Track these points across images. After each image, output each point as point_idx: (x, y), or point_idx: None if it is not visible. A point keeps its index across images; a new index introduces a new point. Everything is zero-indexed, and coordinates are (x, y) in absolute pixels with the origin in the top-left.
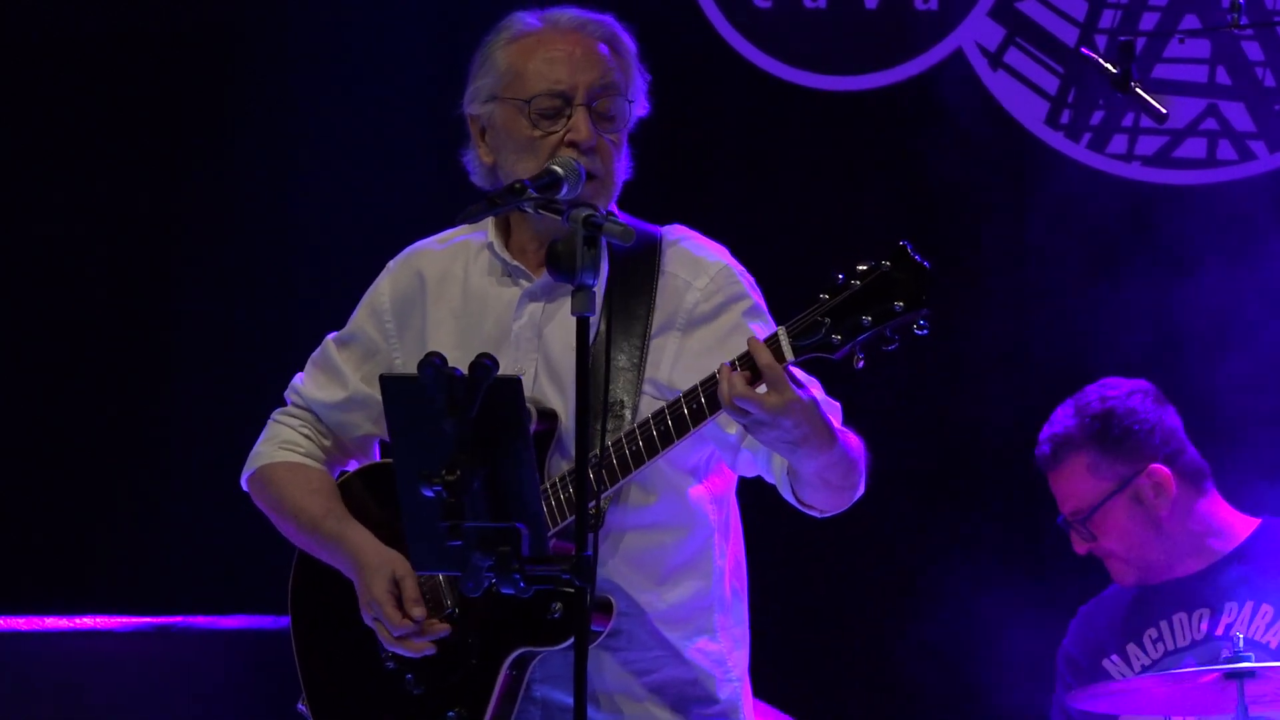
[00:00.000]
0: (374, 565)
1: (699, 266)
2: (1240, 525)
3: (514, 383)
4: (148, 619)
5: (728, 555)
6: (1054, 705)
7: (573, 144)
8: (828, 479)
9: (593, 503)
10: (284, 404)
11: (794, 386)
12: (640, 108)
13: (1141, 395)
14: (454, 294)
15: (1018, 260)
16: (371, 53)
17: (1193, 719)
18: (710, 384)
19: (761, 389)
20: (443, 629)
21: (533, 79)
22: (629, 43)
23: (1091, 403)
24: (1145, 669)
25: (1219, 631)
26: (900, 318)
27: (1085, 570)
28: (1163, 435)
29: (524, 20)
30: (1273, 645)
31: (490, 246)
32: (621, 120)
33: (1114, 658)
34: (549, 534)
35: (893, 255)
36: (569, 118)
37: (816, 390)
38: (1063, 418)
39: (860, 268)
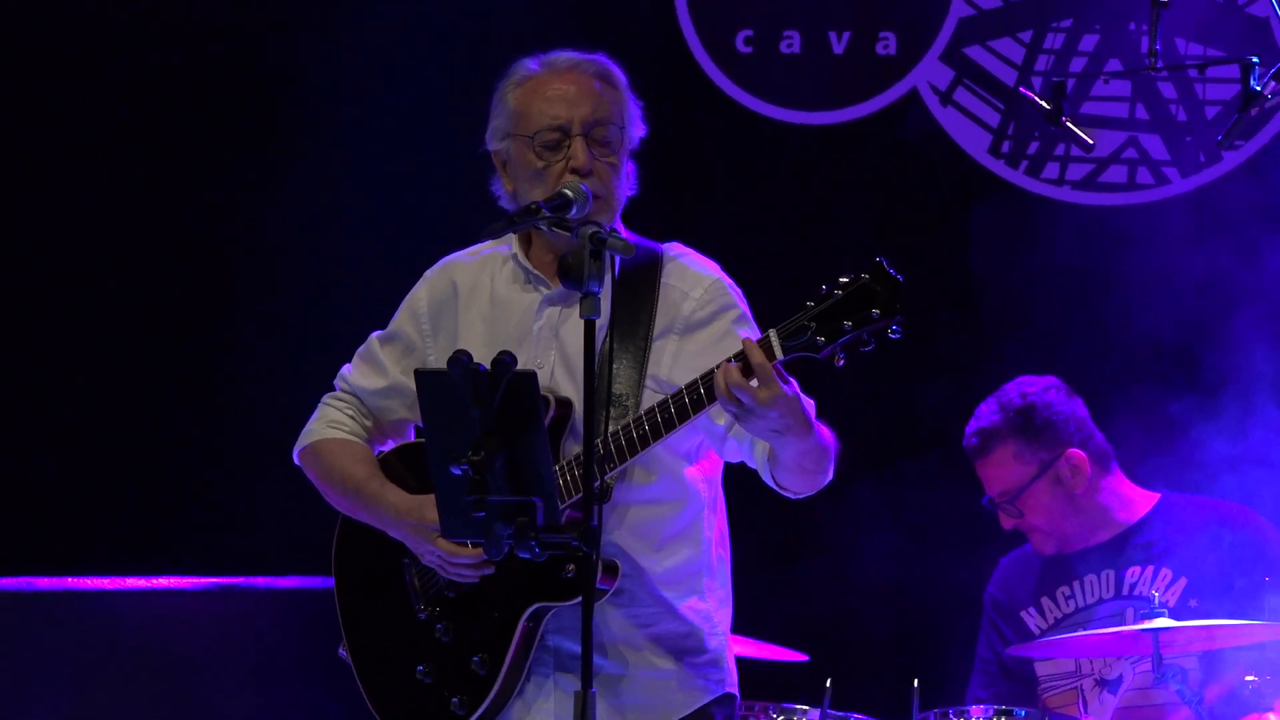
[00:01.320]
0: (417, 506)
1: (695, 279)
2: (1141, 500)
3: (530, 376)
4: (213, 579)
5: (715, 528)
6: (980, 640)
7: (574, 170)
8: (803, 464)
9: (603, 480)
10: (333, 390)
11: (781, 382)
12: (637, 130)
13: (1055, 389)
14: (483, 300)
15: (964, 271)
16: (410, 88)
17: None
18: (707, 379)
19: (753, 383)
20: (488, 569)
21: (535, 117)
22: (619, 76)
23: (1013, 399)
24: (1059, 620)
25: (1125, 590)
26: (876, 323)
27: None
28: (1075, 423)
29: (527, 65)
30: (1171, 604)
31: (515, 258)
32: (615, 145)
33: (1030, 610)
34: (563, 506)
35: (871, 269)
36: (569, 147)
37: (795, 386)
38: (988, 413)
39: (842, 279)
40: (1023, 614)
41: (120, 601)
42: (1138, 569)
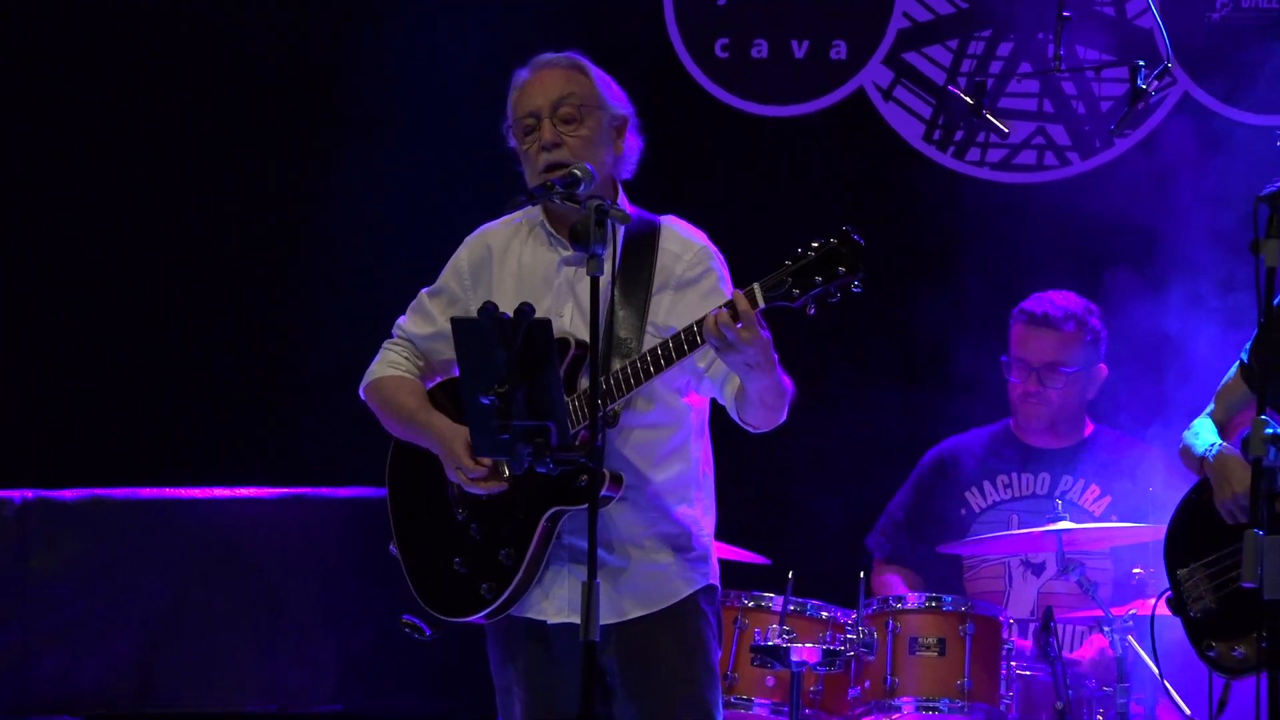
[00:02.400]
0: (451, 435)
1: (686, 245)
2: (1087, 425)
3: (546, 323)
4: (288, 489)
5: (701, 449)
6: (897, 501)
7: (542, 147)
8: (764, 399)
9: (611, 407)
10: (391, 337)
11: (760, 328)
12: (621, 108)
13: (1101, 313)
14: (513, 261)
15: (904, 237)
16: (439, 90)
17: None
18: (698, 325)
19: (739, 325)
20: (503, 485)
21: (517, 110)
22: (587, 64)
23: (1085, 305)
24: (995, 504)
25: (1056, 492)
26: (841, 279)
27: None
28: (1107, 347)
29: (520, 73)
30: (1096, 514)
31: (542, 224)
32: (583, 120)
33: (973, 490)
34: (576, 429)
35: (839, 235)
36: (538, 132)
37: (769, 334)
38: (1064, 300)
39: (814, 243)
40: (966, 493)
41: (210, 507)
42: (1070, 478)
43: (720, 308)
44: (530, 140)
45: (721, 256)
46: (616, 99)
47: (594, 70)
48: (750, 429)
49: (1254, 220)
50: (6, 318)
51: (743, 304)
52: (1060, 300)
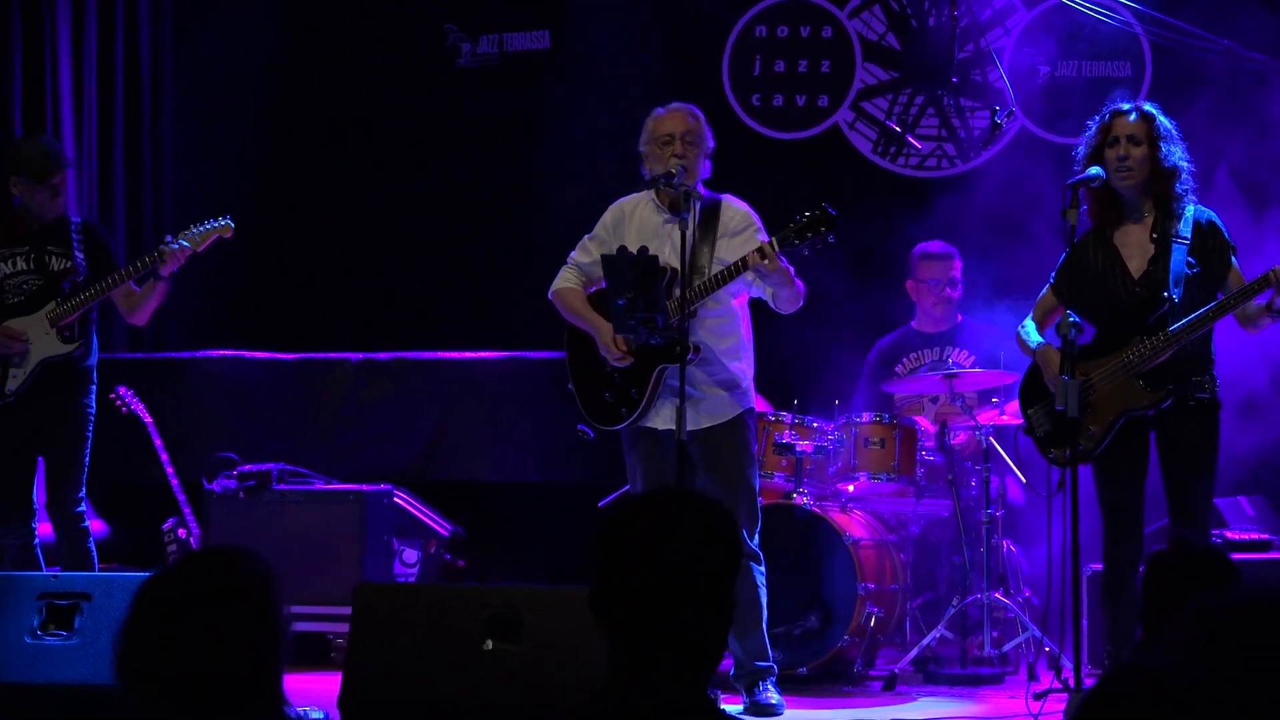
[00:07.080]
0: (604, 328)
1: (736, 210)
2: (958, 317)
3: (654, 258)
4: (508, 352)
5: (746, 327)
6: (861, 385)
7: (675, 157)
8: (787, 299)
9: (692, 307)
10: (566, 263)
11: (781, 260)
12: (709, 141)
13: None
14: (637, 220)
15: (863, 218)
16: (600, 117)
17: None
18: (743, 260)
19: (766, 261)
20: (631, 359)
21: (658, 132)
22: (700, 113)
23: (951, 246)
24: (912, 370)
25: (944, 358)
26: (823, 235)
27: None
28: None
29: (657, 111)
30: (967, 366)
31: (653, 199)
32: (696, 145)
33: (899, 365)
34: (674, 319)
35: (820, 208)
36: (673, 145)
37: (786, 262)
38: (946, 245)
39: (806, 213)
40: (896, 366)
41: (463, 364)
42: (952, 349)
43: (754, 251)
44: (667, 150)
45: (758, 216)
46: (710, 135)
47: (703, 117)
48: (782, 313)
49: (1064, 196)
50: (359, 245)
51: (768, 249)
52: (936, 244)
